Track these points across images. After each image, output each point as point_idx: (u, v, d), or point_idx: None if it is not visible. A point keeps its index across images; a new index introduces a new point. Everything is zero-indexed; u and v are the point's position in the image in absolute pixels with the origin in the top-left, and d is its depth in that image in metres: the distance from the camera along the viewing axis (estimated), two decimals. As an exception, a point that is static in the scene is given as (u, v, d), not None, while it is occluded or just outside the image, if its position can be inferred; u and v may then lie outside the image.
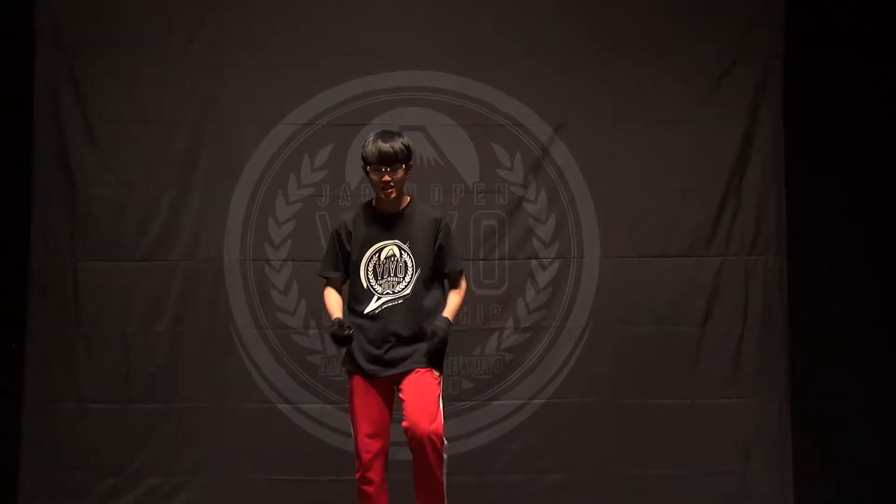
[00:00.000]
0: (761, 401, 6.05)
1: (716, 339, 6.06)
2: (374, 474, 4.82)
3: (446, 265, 4.89)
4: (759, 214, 6.10)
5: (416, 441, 4.70)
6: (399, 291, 4.78)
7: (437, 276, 4.88)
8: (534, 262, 6.13)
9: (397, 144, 4.79)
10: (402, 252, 4.80)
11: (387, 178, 4.77)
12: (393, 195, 4.81)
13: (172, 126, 6.09)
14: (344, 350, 4.83)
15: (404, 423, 4.73)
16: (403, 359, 4.78)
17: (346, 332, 4.71)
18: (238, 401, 5.98)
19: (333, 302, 4.87)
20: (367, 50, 6.12)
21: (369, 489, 4.82)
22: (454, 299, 4.91)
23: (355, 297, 4.83)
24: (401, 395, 4.80)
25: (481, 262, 6.12)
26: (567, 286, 6.11)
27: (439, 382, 4.83)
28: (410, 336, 4.78)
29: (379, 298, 4.78)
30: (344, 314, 4.83)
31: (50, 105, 6.08)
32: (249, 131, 6.10)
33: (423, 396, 4.72)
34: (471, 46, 6.15)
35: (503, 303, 6.11)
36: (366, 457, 4.78)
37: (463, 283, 4.97)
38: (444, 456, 4.83)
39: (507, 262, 6.13)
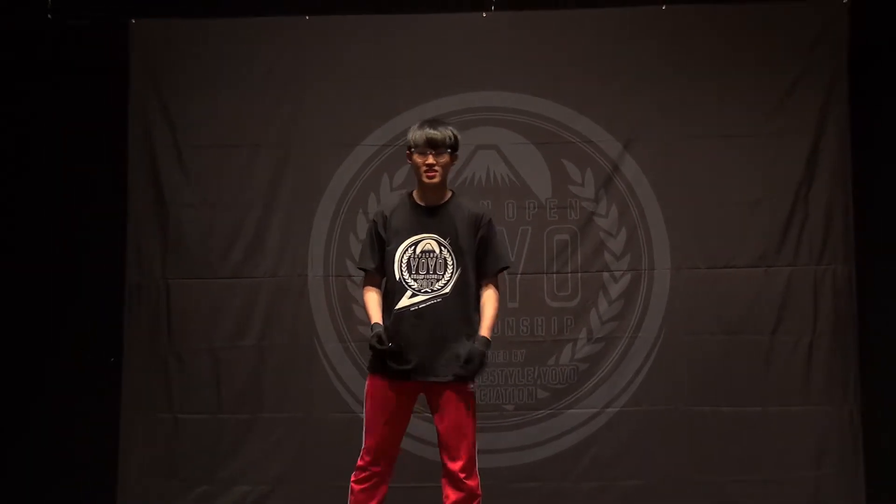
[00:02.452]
0: (832, 408, 6.03)
1: (786, 348, 6.06)
2: (377, 477, 4.52)
3: (488, 263, 4.52)
4: (827, 224, 6.10)
5: (455, 494, 4.47)
6: (438, 290, 4.45)
7: (478, 275, 4.54)
8: (606, 274, 6.18)
9: (446, 131, 4.54)
10: (442, 248, 4.49)
11: (431, 160, 4.50)
12: (436, 179, 4.51)
13: (256, 149, 6.24)
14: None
15: (444, 476, 4.49)
16: (435, 366, 4.45)
17: (385, 347, 4.38)
18: (322, 411, 6.07)
19: (373, 304, 4.54)
20: (441, 73, 6.23)
21: (363, 490, 4.52)
22: (489, 311, 4.51)
23: (388, 291, 4.52)
24: (437, 422, 4.50)
25: (555, 275, 6.18)
26: (639, 297, 6.16)
27: (474, 402, 4.55)
28: (446, 340, 4.45)
29: (414, 295, 4.45)
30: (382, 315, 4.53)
31: (142, 132, 6.26)
32: (330, 153, 6.21)
33: (460, 438, 4.43)
34: (541, 67, 6.23)
35: (577, 314, 6.16)
36: (372, 462, 4.50)
37: (495, 290, 4.55)
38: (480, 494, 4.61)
39: (579, 274, 6.19)
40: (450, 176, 6.16)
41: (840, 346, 6.08)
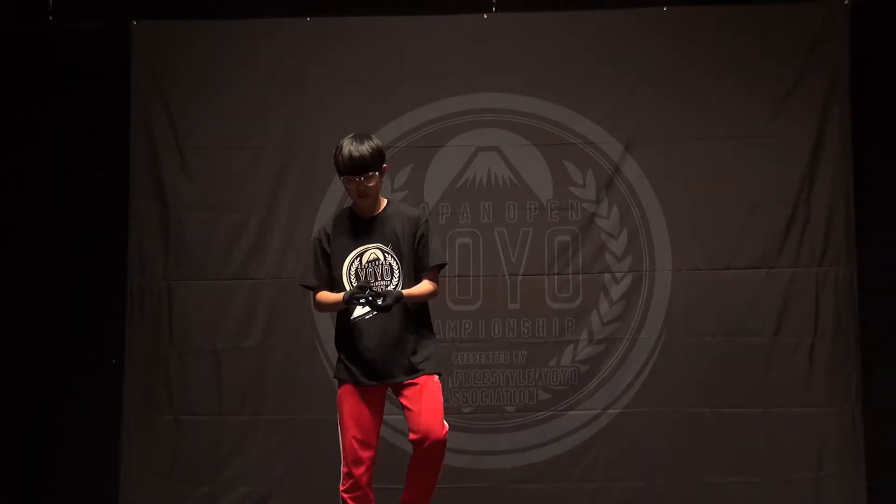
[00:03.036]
0: (834, 410, 6.07)
1: (787, 349, 6.10)
2: (363, 482, 4.62)
3: (423, 258, 4.62)
4: (829, 226, 6.14)
5: (426, 448, 4.56)
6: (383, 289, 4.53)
7: (418, 274, 4.65)
8: (607, 275, 6.24)
9: (367, 150, 4.54)
10: (386, 255, 4.61)
11: (361, 187, 4.57)
12: (368, 202, 4.62)
13: (259, 152, 6.29)
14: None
15: (413, 436, 4.56)
16: (401, 367, 4.59)
17: (372, 291, 4.45)
18: (324, 412, 6.03)
19: (331, 294, 4.62)
20: (442, 74, 6.28)
21: (355, 498, 4.64)
22: (424, 286, 4.59)
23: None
24: (404, 402, 4.61)
25: (556, 276, 6.23)
26: (640, 299, 6.21)
27: (440, 386, 4.68)
28: (401, 341, 4.58)
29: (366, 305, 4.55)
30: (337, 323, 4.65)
31: (144, 133, 6.31)
32: (331, 155, 6.10)
33: (430, 404, 4.57)
34: (542, 69, 6.28)
35: (578, 316, 6.22)
36: (355, 467, 4.59)
37: (431, 282, 4.63)
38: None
39: (580, 276, 6.24)
40: (451, 178, 6.29)
41: (841, 347, 6.11)
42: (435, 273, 4.67)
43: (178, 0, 6.39)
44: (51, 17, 6.30)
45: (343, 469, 4.67)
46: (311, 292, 4.75)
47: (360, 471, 4.61)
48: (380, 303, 4.46)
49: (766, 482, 6.05)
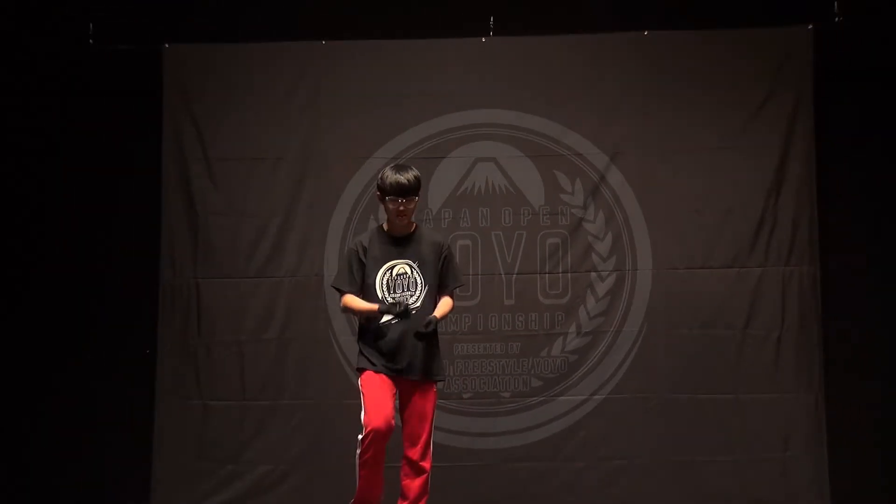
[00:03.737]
0: (799, 396, 6.23)
1: (757, 341, 6.27)
2: (380, 448, 4.85)
3: (446, 280, 5.01)
4: (794, 229, 6.29)
5: (411, 476, 4.95)
6: (412, 303, 4.91)
7: (438, 291, 5.02)
8: (593, 274, 6.42)
9: (412, 178, 4.92)
10: (413, 270, 4.94)
11: (402, 207, 4.92)
12: (405, 222, 4.97)
13: (278, 163, 6.46)
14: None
15: (403, 458, 4.92)
16: (413, 365, 4.90)
17: (405, 307, 4.82)
18: (337, 398, 6.25)
19: (358, 300, 4.96)
20: (444, 92, 6.47)
21: (375, 458, 4.86)
22: (443, 304, 4.98)
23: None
24: (404, 413, 4.94)
25: (547, 275, 6.41)
26: (623, 295, 6.40)
27: (436, 398, 4.99)
28: (418, 344, 4.89)
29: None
30: (365, 323, 4.96)
31: (175, 146, 6.50)
32: (344, 165, 6.45)
33: (421, 425, 4.91)
34: (535, 87, 6.47)
35: (567, 311, 6.41)
36: (376, 434, 4.80)
37: (450, 298, 5.04)
38: (429, 485, 4.98)
39: (569, 274, 6.43)
40: (452, 186, 6.49)
41: (805, 339, 6.30)
42: (453, 291, 5.08)
43: (206, 25, 6.55)
44: (91, 41, 6.48)
45: (363, 437, 4.81)
46: (340, 294, 5.07)
47: (381, 438, 4.82)
48: (423, 330, 4.84)
49: (738, 461, 6.22)
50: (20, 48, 6.62)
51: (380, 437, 4.83)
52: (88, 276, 6.64)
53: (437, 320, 4.92)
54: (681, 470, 6.29)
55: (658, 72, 6.46)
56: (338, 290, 5.09)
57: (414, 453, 4.94)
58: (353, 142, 6.50)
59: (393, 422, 4.88)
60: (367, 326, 5.00)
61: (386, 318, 4.95)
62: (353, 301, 4.99)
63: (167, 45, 6.55)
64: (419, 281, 4.98)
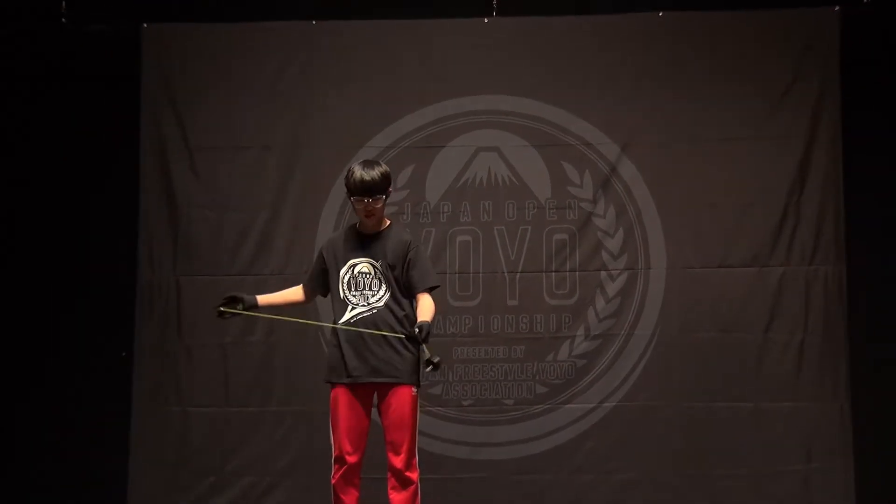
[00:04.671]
0: (822, 404, 6.15)
1: (778, 346, 6.19)
2: (350, 481, 4.91)
3: (416, 280, 4.91)
4: (818, 226, 6.21)
5: (397, 488, 4.89)
6: (373, 303, 4.87)
7: (407, 293, 4.93)
8: (603, 273, 6.31)
9: (378, 176, 4.87)
10: (375, 269, 4.91)
11: (369, 207, 4.89)
12: (373, 221, 4.95)
13: (265, 151, 6.38)
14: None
15: (389, 470, 4.86)
16: (383, 366, 4.86)
17: (224, 305, 4.94)
18: (328, 406, 5.78)
19: (279, 292, 5.16)
20: (443, 77, 6.37)
21: (344, 495, 4.92)
22: (425, 305, 4.87)
23: (335, 308, 4.97)
24: (382, 420, 4.91)
25: (553, 273, 6.31)
26: (635, 296, 6.29)
27: (416, 402, 4.90)
28: (381, 344, 4.85)
29: (354, 308, 4.88)
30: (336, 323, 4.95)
31: (154, 134, 6.41)
32: (336, 155, 6.32)
33: (402, 433, 4.85)
34: (542, 72, 6.37)
35: (574, 312, 6.29)
36: (340, 466, 4.89)
37: (430, 298, 4.90)
38: (419, 495, 4.90)
39: (577, 273, 6.32)
40: (452, 177, 6.35)
41: (830, 344, 6.19)
42: (429, 292, 4.95)
43: (187, 4, 6.47)
44: (63, 20, 6.37)
45: (334, 465, 4.89)
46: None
47: (347, 470, 4.89)
48: (431, 360, 4.66)
49: (757, 475, 6.12)
50: None
51: (346, 462, 4.89)
52: (62, 273, 6.60)
53: (430, 324, 4.81)
54: (696, 483, 6.20)
55: (673, 56, 6.38)
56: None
57: (398, 462, 4.89)
58: (346, 130, 6.42)
59: (363, 444, 4.90)
60: (333, 322, 5.00)
61: (354, 312, 4.90)
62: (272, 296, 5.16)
63: (146, 25, 6.47)
64: (382, 280, 4.93)
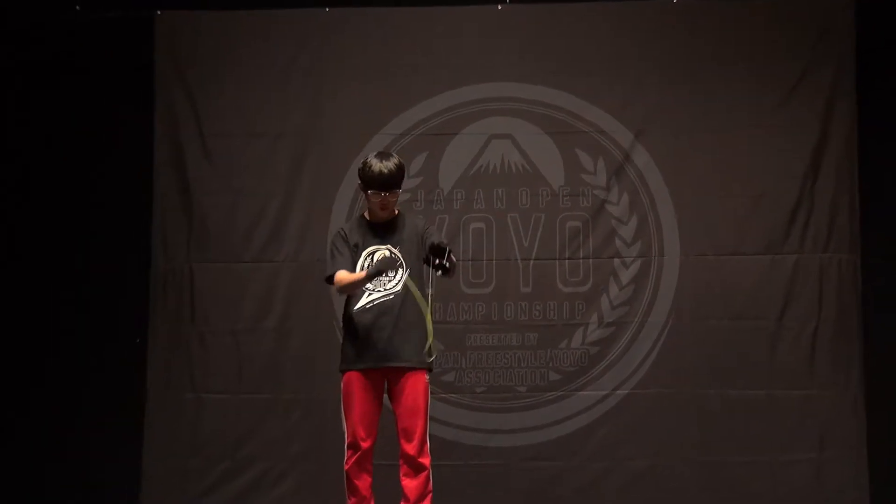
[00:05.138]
0: (836, 392, 6.12)
1: (791, 334, 6.15)
2: (363, 467, 4.95)
3: (433, 241, 4.82)
4: (832, 214, 6.18)
5: (410, 475, 4.92)
6: (390, 289, 4.89)
7: (423, 283, 4.94)
8: (616, 260, 6.29)
9: (395, 169, 4.89)
10: (393, 255, 4.91)
11: (386, 199, 4.92)
12: (388, 214, 4.98)
13: (278, 138, 6.36)
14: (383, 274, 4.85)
15: (401, 456, 4.90)
16: (396, 352, 4.88)
17: (390, 262, 4.80)
18: (340, 392, 5.89)
19: (349, 273, 4.90)
20: (456, 64, 6.35)
21: (357, 481, 4.96)
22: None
23: (351, 295, 4.97)
24: (394, 407, 4.93)
25: (567, 260, 6.29)
26: (648, 283, 6.26)
27: (428, 387, 4.93)
28: (399, 330, 4.87)
29: (370, 294, 4.89)
30: (347, 311, 4.95)
31: (168, 121, 6.40)
32: (349, 142, 6.32)
33: (415, 419, 4.88)
34: (555, 59, 6.34)
35: (588, 299, 6.27)
36: (354, 452, 4.92)
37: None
38: (430, 480, 4.94)
39: (591, 260, 6.29)
40: (465, 165, 6.37)
41: (844, 332, 6.16)
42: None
43: None
44: (77, 7, 6.37)
45: (347, 451, 4.92)
46: (332, 281, 4.98)
47: (361, 456, 4.92)
48: (447, 264, 4.69)
49: (770, 463, 6.10)
50: None
51: (360, 448, 4.91)
52: (75, 261, 6.53)
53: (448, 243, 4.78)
54: (709, 471, 6.16)
55: (687, 43, 6.35)
56: (330, 278, 5.03)
57: (411, 448, 4.91)
58: (359, 117, 6.40)
59: (375, 430, 4.93)
60: (347, 313, 4.99)
61: (371, 297, 4.88)
62: (345, 276, 4.92)
63: (159, 12, 6.44)
64: (400, 265, 4.92)
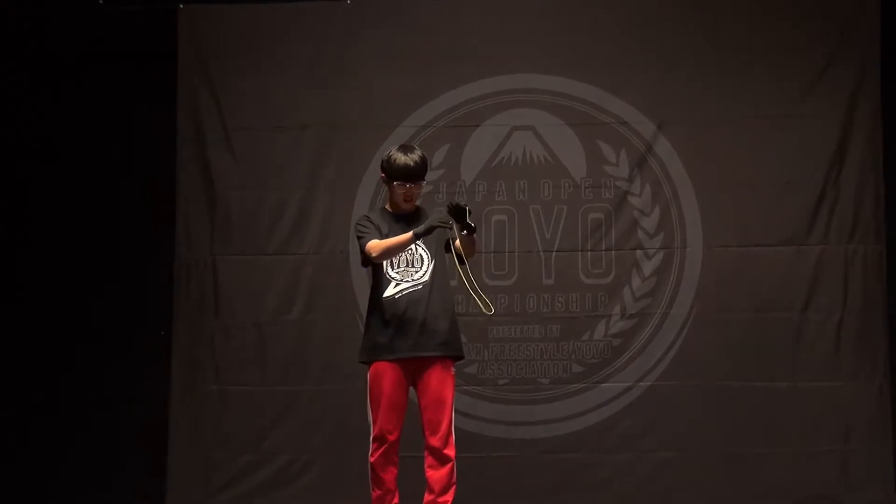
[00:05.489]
0: (861, 384, 6.08)
1: (816, 325, 6.11)
2: (389, 459, 4.94)
3: (449, 201, 4.91)
4: (858, 204, 6.14)
5: (435, 466, 4.91)
6: (417, 279, 4.90)
7: (451, 274, 4.98)
8: (639, 252, 6.27)
9: (420, 161, 4.94)
10: (417, 246, 4.91)
11: (410, 190, 4.95)
12: (412, 206, 5.01)
13: (301, 131, 6.36)
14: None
15: (426, 448, 4.90)
16: (424, 342, 4.88)
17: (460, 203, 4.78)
18: (364, 384, 5.73)
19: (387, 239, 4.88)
20: (478, 56, 6.33)
21: (383, 473, 4.96)
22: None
23: (377, 284, 4.97)
24: (420, 398, 4.92)
25: (589, 252, 6.27)
26: (671, 275, 6.24)
27: (454, 379, 4.95)
28: (428, 320, 4.88)
29: (398, 285, 4.90)
30: (372, 301, 4.96)
31: (191, 115, 6.40)
32: (372, 134, 6.31)
33: (440, 410, 4.88)
34: (577, 50, 6.33)
35: (610, 291, 6.25)
36: (380, 445, 4.92)
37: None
38: (455, 472, 4.94)
39: (613, 252, 6.28)
40: (487, 157, 6.37)
41: (869, 323, 6.12)
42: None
43: None
44: (100, 1, 6.39)
45: (372, 444, 4.92)
46: (366, 251, 4.92)
47: (387, 448, 4.91)
48: (471, 224, 4.78)
49: (794, 455, 6.07)
50: (22, 9, 6.52)
51: (386, 441, 4.92)
52: (99, 254, 6.55)
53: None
54: (733, 463, 6.13)
55: (710, 33, 6.31)
56: (365, 259, 4.97)
57: (436, 441, 4.91)
58: (381, 109, 6.40)
59: (402, 422, 4.92)
60: (373, 302, 4.98)
61: (399, 287, 4.86)
62: (385, 241, 4.89)
63: (182, 6, 6.44)
64: (425, 256, 4.95)
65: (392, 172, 4.94)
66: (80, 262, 6.54)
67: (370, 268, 4.99)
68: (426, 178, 5.02)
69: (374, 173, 6.25)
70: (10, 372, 6.48)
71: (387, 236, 4.91)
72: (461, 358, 4.99)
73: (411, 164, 4.91)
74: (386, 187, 5.05)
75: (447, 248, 4.98)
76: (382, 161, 4.99)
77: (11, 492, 6.30)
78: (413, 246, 4.90)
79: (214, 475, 6.26)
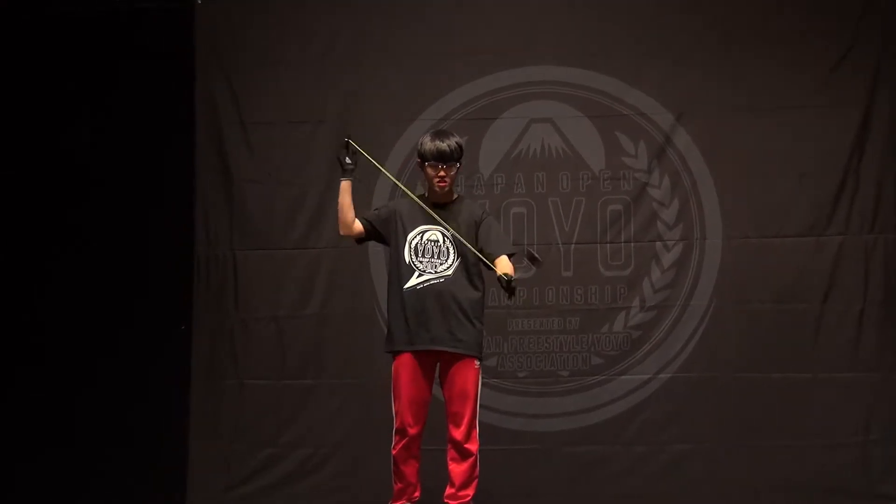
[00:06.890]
0: (882, 376, 6.05)
1: (836, 316, 6.08)
2: (410, 452, 5.00)
3: (492, 248, 4.94)
4: (878, 194, 6.09)
5: (457, 459, 4.96)
6: (441, 272, 4.93)
7: (476, 270, 4.99)
8: (658, 244, 6.25)
9: (453, 144, 5.01)
10: (445, 238, 4.96)
11: (442, 173, 5.00)
12: (445, 188, 5.03)
13: (318, 125, 6.37)
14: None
15: (449, 441, 4.96)
16: (447, 335, 4.91)
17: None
18: (382, 377, 5.93)
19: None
20: (495, 48, 6.32)
21: (404, 466, 5.02)
22: (502, 263, 4.90)
23: (399, 272, 4.99)
24: (444, 391, 4.97)
25: (608, 244, 6.26)
26: (690, 266, 6.22)
27: (479, 374, 4.99)
28: (449, 315, 4.92)
29: (420, 275, 4.93)
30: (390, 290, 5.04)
31: (209, 110, 6.43)
32: (389, 128, 6.32)
33: (464, 404, 4.93)
34: (595, 41, 6.30)
35: (630, 283, 6.24)
36: (401, 438, 4.98)
37: (510, 263, 4.96)
38: (477, 466, 5.00)
39: (632, 244, 6.26)
40: (505, 149, 6.35)
41: (890, 314, 6.08)
42: (506, 257, 4.98)
43: None
44: None
45: (396, 436, 4.98)
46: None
47: (410, 441, 4.97)
48: (506, 278, 4.83)
49: (814, 447, 6.04)
50: (39, 5, 6.54)
51: (407, 434, 4.95)
52: (118, 248, 6.55)
53: (510, 277, 4.84)
54: (751, 455, 6.11)
55: (728, 23, 6.26)
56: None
57: (458, 434, 4.94)
58: (398, 103, 6.40)
59: (424, 416, 4.98)
60: (395, 293, 5.01)
61: (421, 279, 4.90)
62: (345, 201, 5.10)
63: (199, 1, 6.46)
64: (451, 250, 4.98)
65: (424, 154, 5.01)
66: (98, 258, 6.54)
67: (389, 257, 5.03)
68: (461, 164, 5.05)
69: (391, 167, 6.21)
70: (30, 359, 6.53)
71: (412, 220, 4.99)
72: (476, 358, 4.98)
73: (444, 146, 4.98)
74: (418, 180, 5.08)
75: (483, 245, 4.97)
76: (417, 145, 5.09)
77: (40, 479, 6.37)
78: (441, 237, 4.92)
79: (235, 468, 6.28)
